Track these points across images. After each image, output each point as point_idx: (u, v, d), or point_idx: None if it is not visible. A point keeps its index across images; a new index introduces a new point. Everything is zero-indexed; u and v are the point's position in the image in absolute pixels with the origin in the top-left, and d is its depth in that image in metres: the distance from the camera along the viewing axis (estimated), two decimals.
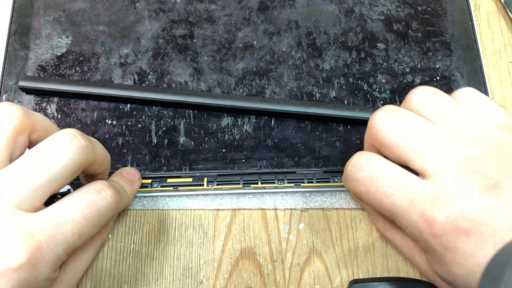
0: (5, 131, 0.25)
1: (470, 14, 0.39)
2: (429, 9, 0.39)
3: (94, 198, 0.25)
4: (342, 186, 0.34)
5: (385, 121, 0.26)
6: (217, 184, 0.34)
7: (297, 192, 0.34)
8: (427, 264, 0.28)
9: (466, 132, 0.26)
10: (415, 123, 0.26)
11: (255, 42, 0.38)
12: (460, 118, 0.26)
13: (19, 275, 0.22)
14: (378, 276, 0.33)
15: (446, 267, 0.24)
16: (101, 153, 0.28)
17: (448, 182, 0.24)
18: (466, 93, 0.28)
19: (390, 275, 0.33)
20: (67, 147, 0.25)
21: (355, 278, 0.33)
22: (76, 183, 0.32)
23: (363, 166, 0.27)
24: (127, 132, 0.35)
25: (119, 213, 0.33)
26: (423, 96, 0.27)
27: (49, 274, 0.24)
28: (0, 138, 0.25)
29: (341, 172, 0.34)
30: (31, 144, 0.27)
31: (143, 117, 0.36)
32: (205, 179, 0.34)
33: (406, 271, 0.33)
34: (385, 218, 0.31)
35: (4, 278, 0.22)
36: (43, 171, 0.24)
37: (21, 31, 0.39)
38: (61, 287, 0.27)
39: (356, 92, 0.36)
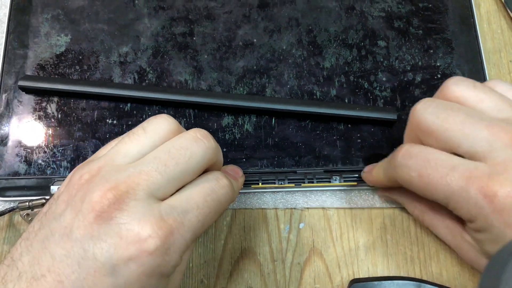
0: (161, 133, 0.26)
1: (471, 10, 0.38)
2: (430, 5, 0.39)
3: (214, 186, 0.26)
4: (342, 186, 0.34)
5: (428, 110, 0.27)
6: None
7: (297, 191, 0.34)
8: (472, 246, 0.28)
9: (508, 112, 0.26)
10: (458, 109, 0.26)
11: (255, 40, 0.38)
12: (499, 101, 0.27)
13: (154, 259, 0.22)
14: (379, 275, 0.33)
15: (503, 244, 0.25)
16: (221, 155, 0.29)
17: (503, 158, 0.24)
18: (496, 82, 0.28)
19: (391, 275, 0.33)
20: (201, 144, 0.26)
21: (356, 277, 0.33)
22: None
23: (414, 154, 0.27)
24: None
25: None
26: (459, 84, 0.27)
27: (177, 261, 0.24)
28: (155, 137, 0.26)
29: (342, 171, 0.34)
30: None
31: (144, 116, 0.36)
32: None
33: (406, 271, 0.33)
34: (423, 203, 0.31)
35: (138, 261, 0.22)
36: (180, 164, 0.25)
37: (19, 29, 0.38)
38: (178, 275, 0.26)
39: (357, 90, 0.36)
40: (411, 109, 0.28)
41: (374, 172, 0.32)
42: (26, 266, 0.22)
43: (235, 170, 0.32)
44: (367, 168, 0.33)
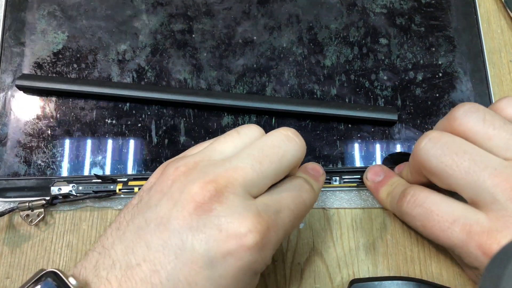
0: (253, 136, 0.27)
1: (474, 6, 0.38)
2: (433, 2, 0.38)
3: (299, 189, 0.26)
4: (342, 186, 0.34)
5: (431, 151, 0.26)
6: None
7: None
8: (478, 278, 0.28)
9: None
10: (463, 153, 0.26)
11: (255, 38, 0.37)
12: (508, 139, 0.26)
13: (251, 255, 0.22)
14: (379, 275, 0.33)
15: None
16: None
17: (503, 214, 0.24)
18: (507, 103, 0.28)
19: (391, 275, 0.33)
20: (293, 143, 0.26)
21: (356, 277, 0.33)
22: None
23: (418, 203, 0.28)
24: (127, 131, 0.35)
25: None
26: (467, 116, 0.27)
27: (270, 258, 0.24)
28: (247, 140, 0.26)
29: (342, 171, 0.34)
30: None
31: (143, 116, 0.35)
32: None
33: (406, 271, 0.33)
34: None
35: (236, 256, 0.22)
36: (273, 162, 0.25)
37: (15, 26, 0.38)
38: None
39: (358, 89, 0.36)
40: (416, 143, 0.28)
41: (381, 195, 0.32)
42: (119, 255, 0.22)
43: (316, 169, 0.31)
44: (370, 175, 0.33)
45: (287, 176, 0.27)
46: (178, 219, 0.22)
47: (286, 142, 0.26)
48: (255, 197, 0.24)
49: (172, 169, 0.24)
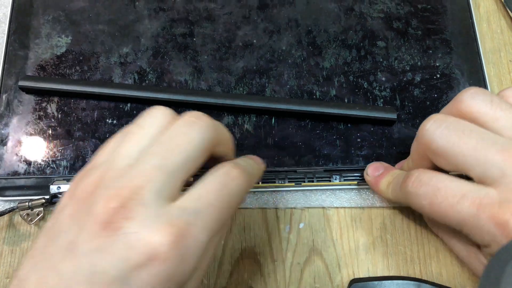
0: (156, 125, 0.25)
1: (470, 11, 0.38)
2: (429, 6, 0.39)
3: (224, 180, 0.24)
4: (342, 185, 0.34)
5: (437, 131, 0.26)
6: None
7: (297, 191, 0.34)
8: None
9: None
10: (470, 131, 0.26)
11: (255, 41, 0.38)
12: None
13: (168, 267, 0.21)
14: (379, 275, 0.33)
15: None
16: (225, 133, 0.27)
17: None
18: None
19: (391, 274, 0.33)
20: (196, 126, 0.24)
21: (356, 277, 0.33)
22: None
23: (424, 182, 0.27)
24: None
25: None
26: (475, 98, 0.27)
27: (195, 265, 0.22)
28: (151, 131, 0.24)
29: (342, 170, 0.34)
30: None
31: None
32: None
33: (406, 270, 0.33)
34: (444, 227, 0.31)
35: (150, 270, 0.21)
36: (177, 153, 0.23)
37: (20, 30, 0.39)
38: (193, 281, 0.25)
39: (357, 90, 0.36)
40: (420, 126, 0.27)
41: (381, 186, 0.32)
42: (33, 286, 0.21)
43: (256, 158, 0.31)
44: (370, 171, 0.33)
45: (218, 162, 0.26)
46: (86, 243, 0.21)
47: (189, 128, 0.24)
48: (173, 197, 0.23)
49: (80, 191, 0.23)
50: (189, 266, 0.22)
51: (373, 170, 0.33)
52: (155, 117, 0.25)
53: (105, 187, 0.22)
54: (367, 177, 0.33)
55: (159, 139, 0.24)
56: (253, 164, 0.29)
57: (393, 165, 0.34)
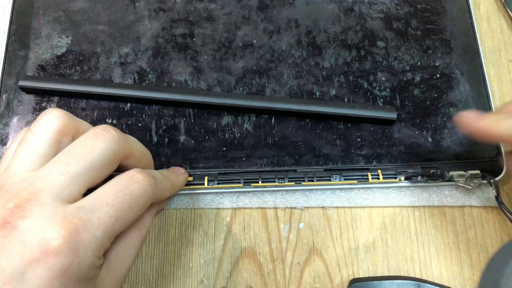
0: (50, 130, 0.26)
1: (469, 11, 0.39)
2: (428, 7, 0.39)
3: (126, 182, 0.26)
4: (342, 184, 0.34)
5: None
6: (218, 183, 0.33)
7: (297, 190, 0.34)
8: None
9: None
10: None
11: (255, 41, 0.38)
12: None
13: (61, 261, 0.22)
14: (379, 275, 0.33)
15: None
16: (138, 147, 0.29)
17: None
18: None
19: (391, 274, 0.33)
20: (100, 137, 0.26)
21: (355, 277, 0.33)
22: None
23: None
24: (127, 131, 0.35)
25: None
26: None
27: (93, 260, 0.24)
28: (45, 136, 0.26)
29: (342, 169, 0.34)
30: None
31: (143, 116, 0.36)
32: (206, 178, 0.34)
33: (406, 270, 0.33)
34: None
35: (44, 264, 0.22)
36: (79, 160, 0.25)
37: (21, 31, 0.39)
38: (108, 279, 0.26)
39: (356, 90, 0.36)
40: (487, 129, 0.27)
41: (491, 127, 0.28)
42: None
43: (177, 168, 0.33)
44: (467, 115, 0.30)
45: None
46: None
47: (93, 138, 0.26)
48: (73, 200, 0.24)
49: None
50: (85, 260, 0.23)
51: (469, 113, 0.30)
52: (48, 122, 0.26)
53: (5, 191, 0.24)
54: (461, 119, 0.30)
55: (65, 149, 0.25)
56: (168, 174, 0.31)
57: (394, 165, 0.34)
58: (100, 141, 0.26)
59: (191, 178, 0.34)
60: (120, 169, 0.28)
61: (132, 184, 0.26)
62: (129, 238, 0.29)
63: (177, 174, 0.32)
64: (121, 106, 0.36)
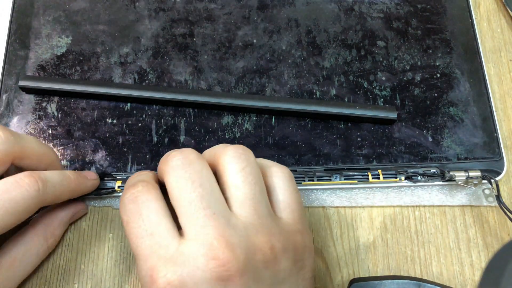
0: None
1: (469, 11, 0.39)
2: (428, 6, 0.39)
3: (8, 187, 0.26)
4: (343, 184, 0.34)
5: (176, 170, 0.26)
6: None
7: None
8: None
9: None
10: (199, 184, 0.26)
11: (255, 41, 0.38)
12: None
13: None
14: (379, 275, 0.33)
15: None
16: (34, 147, 0.28)
17: None
18: None
19: (391, 274, 0.33)
20: None
21: (356, 276, 0.33)
22: None
23: None
24: (127, 131, 0.35)
25: (119, 213, 0.34)
26: (232, 157, 0.27)
27: None
28: None
29: (342, 169, 0.34)
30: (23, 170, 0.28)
31: (144, 116, 0.36)
32: None
33: (407, 270, 0.33)
34: None
35: None
36: None
37: (21, 31, 0.39)
38: None
39: (357, 90, 0.36)
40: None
41: None
42: None
43: (89, 173, 0.32)
44: None
45: None
46: None
47: None
48: None
49: None
50: None
51: None
52: None
53: None
54: None
55: None
56: (72, 176, 0.30)
57: (394, 165, 0.34)
58: None
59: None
60: (20, 170, 0.28)
61: (14, 188, 0.26)
62: (31, 245, 0.30)
63: (86, 177, 0.32)
64: (121, 106, 0.36)
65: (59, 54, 0.38)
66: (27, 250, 0.29)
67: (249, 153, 0.27)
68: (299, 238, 0.26)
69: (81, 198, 0.33)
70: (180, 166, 0.25)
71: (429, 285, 0.31)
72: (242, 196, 0.25)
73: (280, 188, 0.27)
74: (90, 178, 0.32)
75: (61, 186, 0.29)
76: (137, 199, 0.26)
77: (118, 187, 0.33)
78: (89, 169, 0.34)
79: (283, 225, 0.26)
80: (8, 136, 0.26)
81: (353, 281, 0.32)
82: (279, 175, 0.28)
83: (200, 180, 0.25)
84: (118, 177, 0.33)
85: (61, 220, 0.32)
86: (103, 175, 0.33)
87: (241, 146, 0.27)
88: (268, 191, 0.27)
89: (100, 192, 0.33)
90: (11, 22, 0.39)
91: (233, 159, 0.26)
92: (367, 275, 0.33)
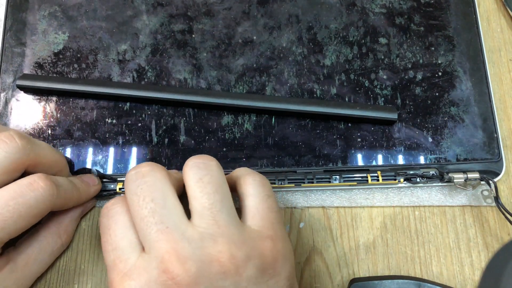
0: (7, 164, 0.26)
1: (474, 6, 0.38)
2: (432, 1, 0.38)
3: (23, 189, 0.26)
4: (342, 185, 0.34)
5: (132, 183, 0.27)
6: None
7: (297, 190, 0.34)
8: None
9: None
10: (150, 200, 0.26)
11: (255, 37, 0.37)
12: None
13: None
14: (379, 274, 0.33)
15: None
16: (47, 155, 0.29)
17: None
18: None
19: (391, 274, 0.33)
20: (1, 145, 0.26)
21: (356, 276, 0.33)
22: None
23: None
24: (127, 131, 0.35)
25: None
26: (191, 168, 0.27)
27: None
28: (1, 168, 0.26)
29: (342, 170, 0.34)
30: None
31: (143, 115, 0.35)
32: None
33: (407, 270, 0.33)
34: None
35: None
36: None
37: (16, 27, 0.38)
38: (11, 284, 0.27)
39: (357, 89, 0.36)
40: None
41: None
42: None
43: (91, 179, 0.32)
44: None
45: None
46: None
47: None
48: None
49: None
50: None
51: None
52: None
53: None
54: None
55: None
56: (78, 183, 0.31)
57: (394, 166, 0.34)
58: (0, 149, 0.26)
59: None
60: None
61: (29, 192, 0.26)
62: (45, 243, 0.30)
63: (89, 184, 0.32)
64: (120, 105, 0.36)
65: (56, 51, 0.37)
66: (41, 249, 0.30)
67: (211, 161, 0.27)
68: (268, 245, 0.26)
69: None
70: (133, 180, 0.26)
71: (429, 285, 0.31)
72: (199, 207, 0.25)
73: (250, 195, 0.27)
74: (92, 184, 0.32)
75: (71, 192, 0.29)
76: (109, 213, 0.27)
77: (120, 189, 0.33)
78: (89, 170, 0.34)
79: (249, 232, 0.26)
80: (25, 145, 0.26)
81: (353, 281, 0.32)
82: (250, 182, 0.28)
83: (152, 194, 0.25)
84: (118, 179, 0.33)
85: (72, 217, 0.32)
86: (103, 177, 0.33)
87: (204, 155, 0.27)
88: (240, 199, 0.27)
89: (102, 194, 0.33)
90: (6, 17, 0.38)
91: (192, 169, 0.26)
92: (367, 275, 0.33)
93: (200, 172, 0.26)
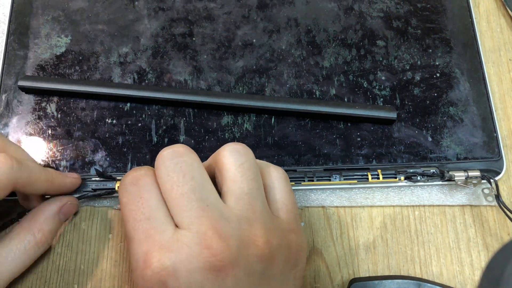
0: None
1: (469, 10, 0.38)
2: (428, 6, 0.39)
3: (23, 248, 0.27)
4: (342, 184, 0.34)
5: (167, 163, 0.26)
6: None
7: (297, 190, 0.34)
8: None
9: None
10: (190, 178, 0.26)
11: (254, 40, 0.38)
12: None
13: None
14: (379, 274, 0.33)
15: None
16: (36, 174, 0.28)
17: None
18: None
19: (391, 274, 0.33)
20: None
21: (356, 276, 0.33)
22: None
23: None
24: (127, 131, 0.35)
25: (121, 214, 0.34)
26: (231, 152, 0.27)
27: None
28: None
29: (342, 169, 0.34)
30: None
31: (143, 116, 0.36)
32: None
33: (407, 270, 0.33)
34: None
35: None
36: None
37: (20, 30, 0.39)
38: None
39: (356, 89, 0.36)
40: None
41: None
42: None
43: (71, 174, 0.32)
44: None
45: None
46: None
47: None
48: None
49: None
50: None
51: None
52: None
53: None
54: None
55: None
56: (51, 170, 0.30)
57: (394, 165, 0.34)
58: None
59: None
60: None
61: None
62: (17, 241, 0.29)
63: (65, 174, 0.32)
64: (120, 106, 0.36)
65: (58, 54, 0.38)
66: (13, 246, 0.29)
67: (249, 150, 0.27)
68: (293, 238, 0.27)
69: (81, 199, 0.33)
70: (170, 159, 0.26)
71: (429, 284, 0.31)
72: (238, 191, 0.26)
73: (277, 188, 0.28)
74: (69, 175, 0.32)
75: (38, 171, 0.28)
76: (139, 182, 0.26)
77: (118, 187, 0.33)
78: (89, 170, 0.34)
79: (279, 223, 0.26)
80: (15, 167, 0.26)
81: (353, 281, 0.32)
82: (276, 175, 0.28)
83: (191, 173, 0.25)
84: (117, 178, 0.33)
85: (48, 214, 0.31)
86: (103, 176, 0.33)
87: (240, 143, 0.28)
88: (265, 191, 0.28)
89: (101, 193, 0.33)
90: (10, 21, 0.39)
91: (232, 153, 0.27)
92: (367, 275, 0.33)
93: (242, 157, 0.26)
